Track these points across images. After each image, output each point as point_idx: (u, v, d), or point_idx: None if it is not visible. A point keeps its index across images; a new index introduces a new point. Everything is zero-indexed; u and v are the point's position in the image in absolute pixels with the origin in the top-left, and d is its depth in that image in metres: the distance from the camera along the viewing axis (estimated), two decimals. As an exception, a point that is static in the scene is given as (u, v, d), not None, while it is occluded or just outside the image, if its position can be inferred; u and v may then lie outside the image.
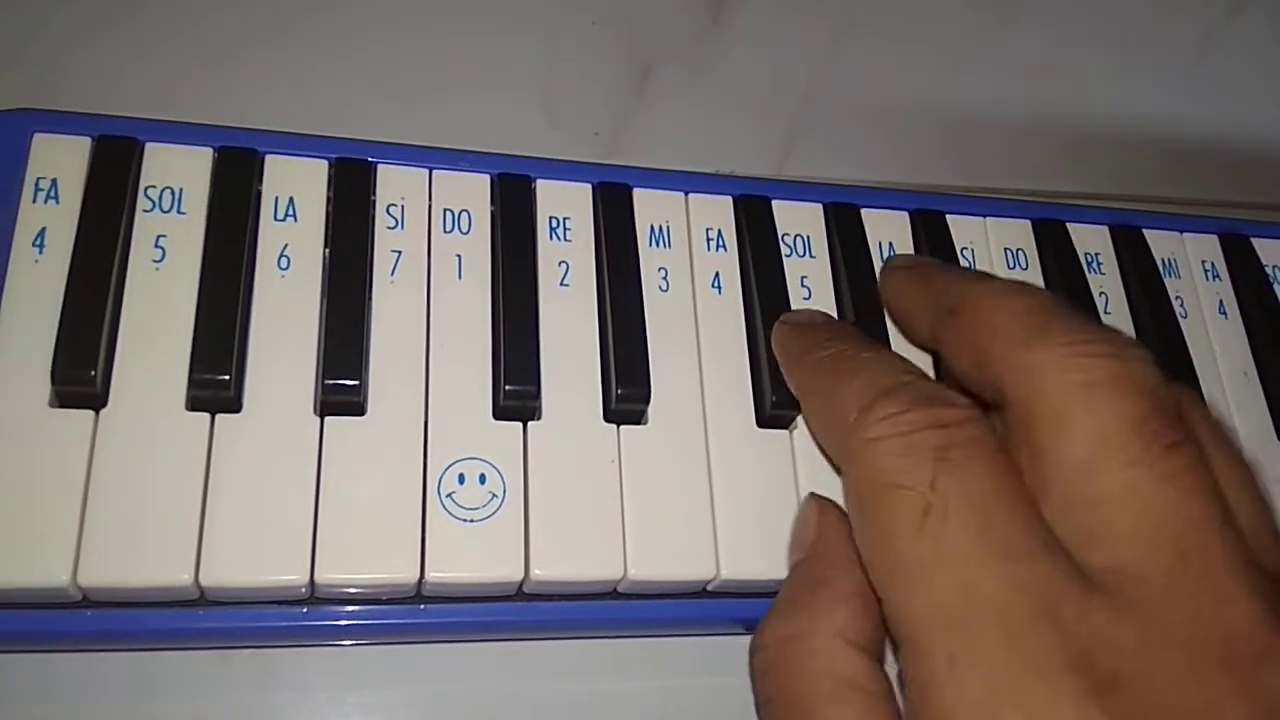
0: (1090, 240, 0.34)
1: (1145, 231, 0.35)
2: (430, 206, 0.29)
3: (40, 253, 0.26)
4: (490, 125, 0.36)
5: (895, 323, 0.30)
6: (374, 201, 0.28)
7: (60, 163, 0.27)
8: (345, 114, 0.32)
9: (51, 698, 0.26)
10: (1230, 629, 0.19)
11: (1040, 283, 0.33)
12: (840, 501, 0.26)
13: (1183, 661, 0.18)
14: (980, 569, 0.19)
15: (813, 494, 0.27)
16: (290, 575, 0.24)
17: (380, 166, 0.29)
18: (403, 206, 0.29)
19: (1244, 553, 0.20)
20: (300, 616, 0.25)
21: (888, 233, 0.32)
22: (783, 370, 0.28)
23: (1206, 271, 0.35)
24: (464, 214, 0.29)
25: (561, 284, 0.29)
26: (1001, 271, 0.33)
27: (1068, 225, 0.34)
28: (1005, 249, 0.33)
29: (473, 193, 0.29)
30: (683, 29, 0.40)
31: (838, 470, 0.27)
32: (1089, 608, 0.19)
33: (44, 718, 0.26)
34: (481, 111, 0.36)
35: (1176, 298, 0.34)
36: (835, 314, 0.30)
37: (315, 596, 0.25)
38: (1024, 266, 0.33)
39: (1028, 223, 0.34)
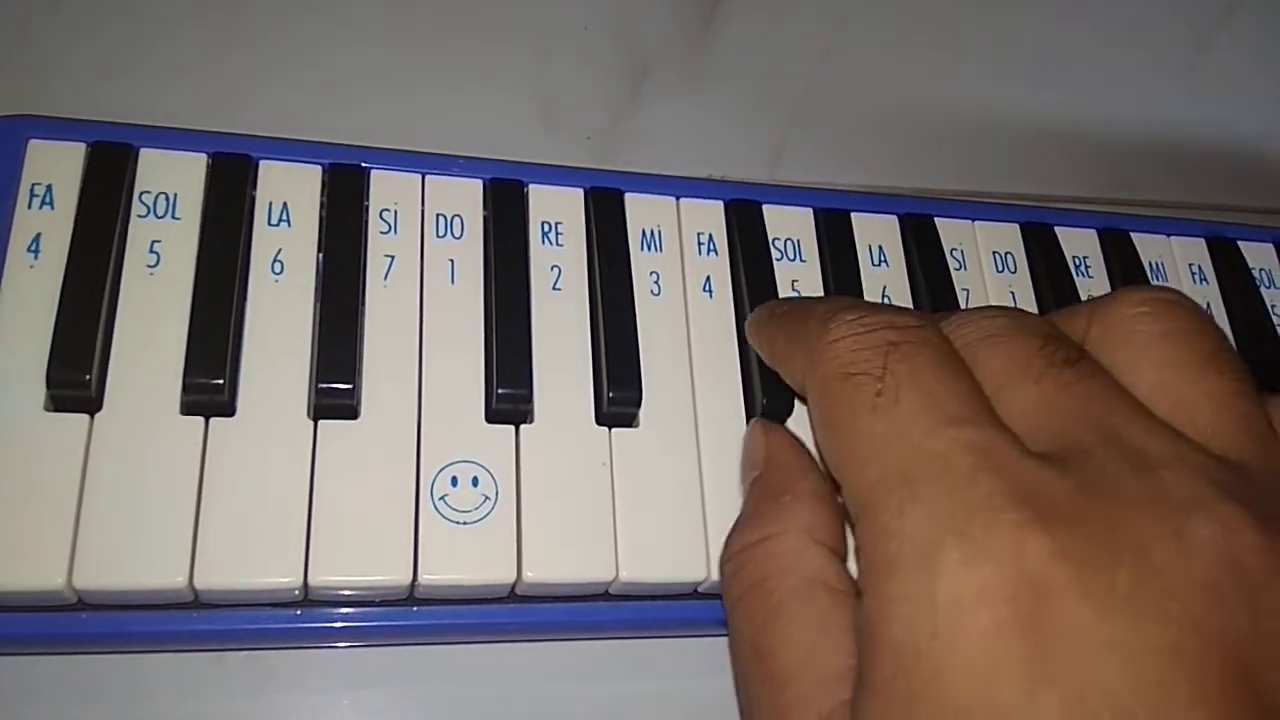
0: (1078, 243, 0.34)
1: (1133, 235, 0.35)
2: (423, 211, 0.29)
3: (35, 258, 0.26)
4: (483, 129, 0.36)
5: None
6: (367, 207, 0.29)
7: (55, 168, 0.27)
8: (339, 119, 0.32)
9: (46, 700, 0.26)
10: (1164, 488, 0.19)
11: (1028, 285, 0.33)
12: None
13: (1117, 509, 0.18)
14: (928, 433, 0.20)
15: (756, 418, 0.27)
16: (284, 577, 0.24)
17: (373, 172, 0.29)
18: (396, 211, 0.29)
19: (1165, 430, 0.20)
20: (294, 619, 0.25)
21: (877, 236, 0.32)
22: (751, 335, 0.28)
23: (1194, 274, 0.36)
24: (457, 219, 0.29)
25: (554, 288, 0.29)
26: (990, 275, 0.33)
27: (1056, 229, 0.34)
28: (994, 252, 0.33)
29: (465, 198, 0.30)
30: (676, 33, 0.40)
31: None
32: (1030, 463, 0.19)
33: (39, 720, 0.26)
34: (474, 115, 0.36)
35: (1164, 300, 0.34)
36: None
37: (309, 599, 0.25)
38: (1012, 270, 0.33)
39: (1016, 226, 0.34)
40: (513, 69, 0.37)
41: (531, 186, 0.30)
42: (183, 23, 0.34)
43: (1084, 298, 0.33)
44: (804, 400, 0.28)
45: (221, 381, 0.25)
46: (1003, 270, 0.33)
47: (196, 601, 0.25)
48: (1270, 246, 0.37)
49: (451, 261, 0.29)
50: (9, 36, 0.33)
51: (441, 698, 0.28)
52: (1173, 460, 0.19)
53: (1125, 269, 0.34)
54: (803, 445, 0.27)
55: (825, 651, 0.21)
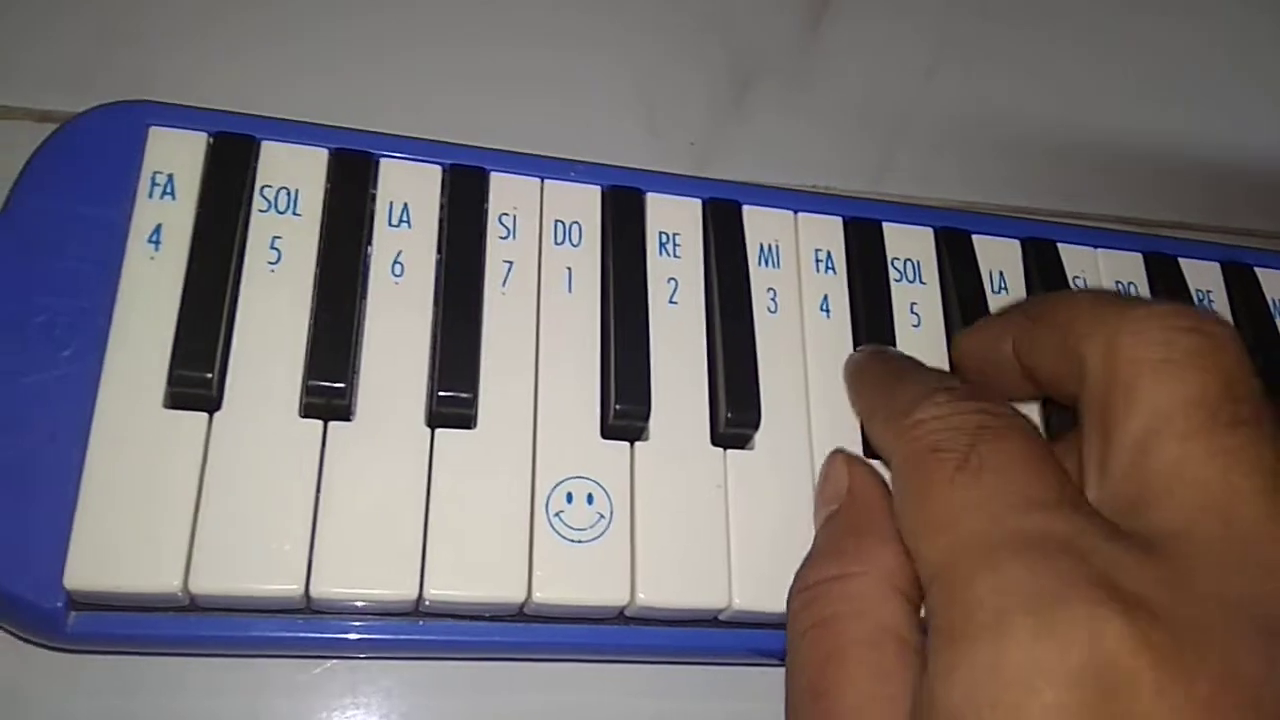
0: (1202, 277, 0.33)
1: (1258, 270, 0.34)
2: (541, 217, 0.28)
3: (156, 249, 0.25)
4: (590, 132, 0.35)
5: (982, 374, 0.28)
6: (487, 210, 0.28)
7: (176, 157, 0.26)
8: (450, 119, 0.31)
9: (144, 694, 0.26)
10: (1263, 596, 0.18)
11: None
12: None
13: (1209, 609, 0.18)
14: (1008, 512, 0.19)
15: (838, 450, 0.27)
16: (400, 589, 0.24)
17: (493, 174, 0.28)
18: (514, 216, 0.28)
19: None
20: (405, 630, 0.25)
21: (999, 261, 0.31)
22: (848, 380, 0.28)
23: (1323, 314, 0.34)
24: (575, 225, 0.29)
25: (670, 301, 0.28)
26: (1113, 305, 0.32)
27: (1180, 260, 0.33)
28: (1116, 281, 0.32)
29: (584, 204, 0.29)
30: (781, 42, 0.39)
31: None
32: (1119, 548, 0.19)
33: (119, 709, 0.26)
34: (581, 119, 0.35)
35: (1289, 338, 0.33)
36: (944, 342, 0.30)
37: (420, 611, 0.25)
38: (1134, 301, 0.32)
39: (1139, 255, 0.33)
40: (619, 74, 0.37)
41: (649, 196, 0.30)
42: (305, 18, 0.33)
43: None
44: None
45: (343, 385, 0.24)
46: (1125, 301, 0.32)
47: (309, 609, 0.24)
48: None
49: (569, 269, 0.28)
50: (130, 19, 0.32)
51: (533, 715, 0.28)
52: None
53: (1249, 305, 0.33)
54: (886, 484, 0.25)
55: (882, 702, 0.21)
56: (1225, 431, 0.20)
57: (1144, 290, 0.32)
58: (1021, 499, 0.20)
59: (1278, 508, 0.19)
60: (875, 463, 0.26)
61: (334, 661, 0.27)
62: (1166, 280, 0.33)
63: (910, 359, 0.28)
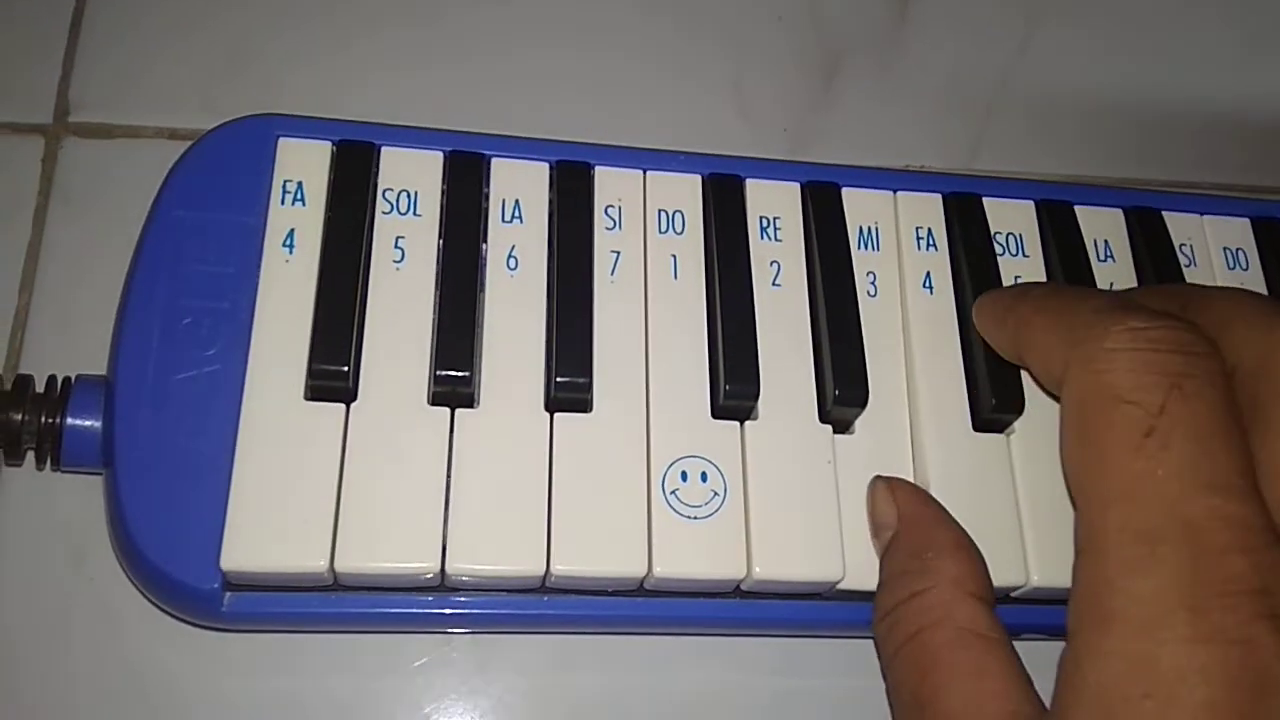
0: (1315, 239, 0.33)
1: (1374, 228, 0.33)
2: (645, 207, 0.29)
3: (290, 253, 0.27)
4: (683, 123, 0.36)
5: None
6: (593, 203, 0.29)
7: (304, 166, 0.28)
8: (556, 118, 0.32)
9: (280, 670, 0.28)
10: None
11: (1262, 284, 0.32)
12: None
13: None
14: (1187, 495, 0.19)
15: (877, 476, 0.27)
16: (527, 566, 0.25)
17: (597, 168, 0.29)
18: (620, 207, 0.29)
19: None
20: (533, 605, 0.26)
21: (1102, 230, 0.31)
22: (990, 318, 0.27)
23: None
24: (678, 214, 0.29)
25: (774, 284, 0.29)
26: (1221, 271, 0.32)
27: (1290, 223, 0.33)
28: (1224, 249, 0.32)
29: (685, 193, 0.30)
30: (870, 22, 0.39)
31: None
32: (1277, 553, 0.19)
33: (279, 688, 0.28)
34: (674, 109, 0.36)
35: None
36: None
37: (546, 586, 0.26)
38: (1244, 267, 0.32)
39: (1247, 221, 0.32)
40: (709, 61, 0.37)
41: (749, 181, 0.30)
42: (413, 28, 0.35)
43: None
44: (1049, 393, 0.27)
45: (467, 373, 0.26)
46: (1234, 267, 0.32)
47: (443, 586, 0.25)
48: None
49: (674, 256, 0.29)
50: (248, 39, 0.34)
51: (656, 692, 0.29)
52: None
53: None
54: (930, 496, 0.26)
55: (985, 696, 0.22)
56: None
57: (1253, 255, 0.32)
58: (1204, 480, 0.20)
59: None
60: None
61: (466, 638, 0.28)
62: (1276, 245, 0.32)
63: (1073, 286, 0.27)
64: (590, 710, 0.28)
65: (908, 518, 0.26)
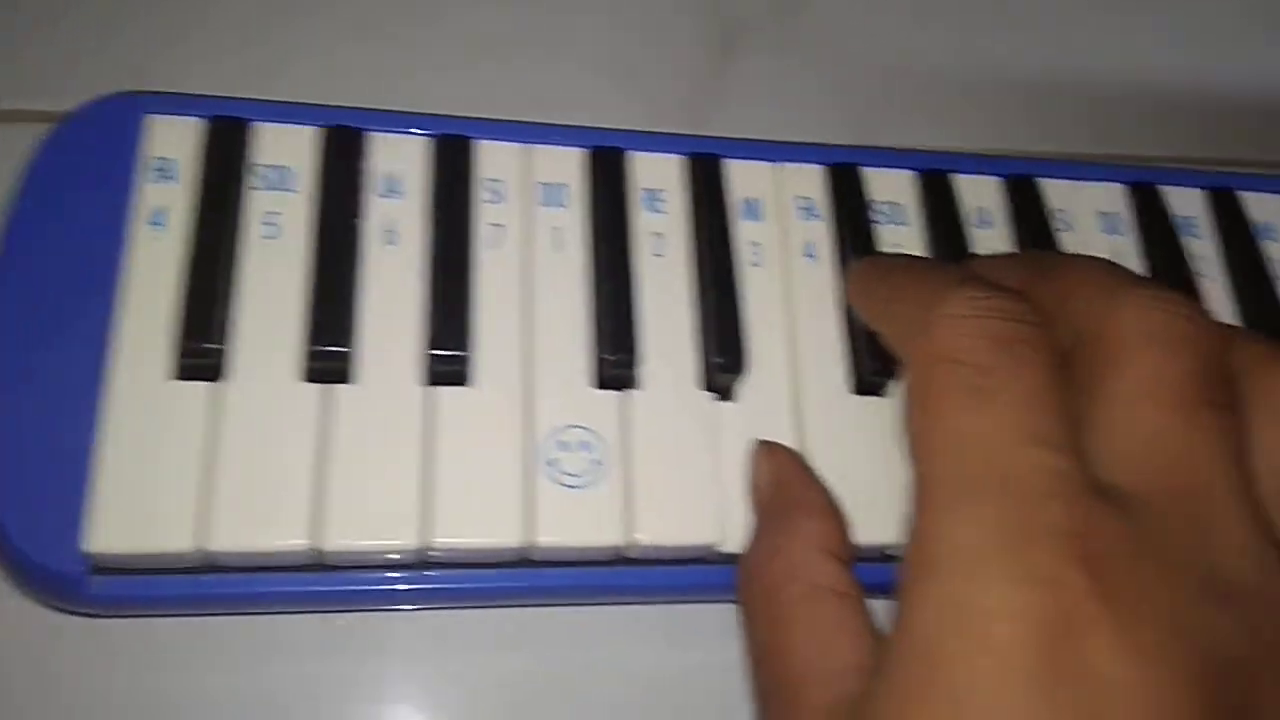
0: (1185, 204, 0.34)
1: (1240, 194, 0.34)
2: (528, 181, 0.29)
3: (159, 231, 0.26)
4: (577, 99, 0.36)
5: None
6: (474, 177, 0.29)
7: (173, 143, 0.28)
8: (438, 91, 0.32)
9: (163, 662, 0.27)
10: (1213, 564, 0.20)
11: (1135, 246, 0.32)
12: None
13: (1164, 570, 0.19)
14: (1009, 447, 0.20)
15: (758, 440, 0.27)
16: (404, 540, 0.25)
17: (479, 143, 0.29)
18: (502, 181, 0.29)
19: (1248, 509, 0.21)
20: (413, 579, 0.26)
21: (979, 198, 0.32)
22: (853, 285, 0.29)
23: (1306, 234, 0.35)
24: (560, 188, 0.29)
25: (656, 254, 0.29)
26: (1096, 236, 0.32)
27: (1161, 189, 0.33)
28: (1099, 212, 0.33)
29: (568, 167, 0.30)
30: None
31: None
32: (1096, 504, 0.20)
33: (149, 678, 0.27)
34: (569, 85, 0.36)
35: (1276, 261, 0.34)
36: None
37: (427, 560, 0.26)
38: (1119, 232, 0.33)
39: (1121, 186, 0.33)
40: (607, 37, 0.38)
41: (632, 154, 0.30)
42: (288, 6, 0.35)
43: (1193, 260, 0.33)
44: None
45: (344, 349, 0.26)
46: (1109, 232, 0.33)
47: (320, 564, 0.25)
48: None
49: (556, 229, 0.29)
50: (124, 14, 0.33)
51: (540, 663, 0.29)
52: (1236, 546, 0.20)
53: (1234, 229, 0.33)
54: (804, 460, 0.27)
55: (832, 649, 0.22)
56: (1204, 410, 0.21)
57: (1128, 219, 0.33)
58: (1027, 432, 0.21)
59: (1236, 485, 0.21)
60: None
61: (350, 617, 0.28)
62: (1149, 209, 0.33)
63: (927, 258, 0.29)
64: (486, 689, 0.28)
65: (778, 480, 0.26)
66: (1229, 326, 0.23)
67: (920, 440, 0.22)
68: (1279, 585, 0.20)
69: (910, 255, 0.30)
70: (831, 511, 0.25)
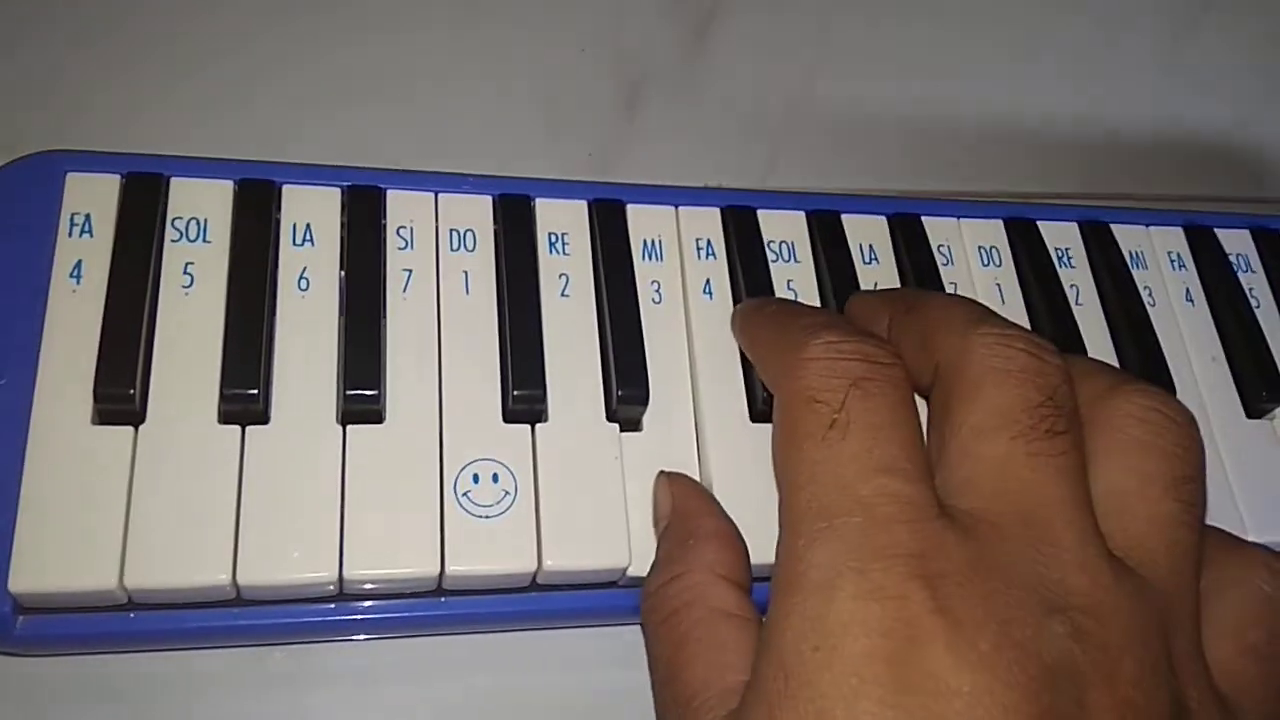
0: (1061, 236, 0.36)
1: (1112, 226, 0.37)
2: (437, 228, 0.31)
3: (77, 283, 0.28)
4: (489, 151, 0.38)
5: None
6: (385, 225, 0.30)
7: (92, 199, 0.29)
8: (354, 145, 0.34)
9: (86, 701, 0.28)
10: (1049, 579, 0.22)
11: (1014, 278, 0.35)
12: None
13: (1000, 586, 0.21)
14: (859, 477, 0.22)
15: (661, 471, 0.29)
16: (320, 573, 0.26)
17: (390, 192, 0.31)
18: (412, 228, 0.31)
19: (1084, 528, 0.23)
20: (330, 612, 0.27)
21: (867, 236, 0.34)
22: (736, 328, 0.31)
23: (1173, 262, 0.37)
24: (469, 233, 0.31)
25: (562, 294, 0.31)
26: (976, 269, 0.35)
27: (1038, 223, 0.36)
28: (979, 247, 0.35)
29: (476, 213, 0.31)
30: (669, 52, 0.42)
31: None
32: (939, 526, 0.22)
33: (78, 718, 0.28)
34: (480, 137, 0.38)
35: (1145, 288, 0.36)
36: (821, 314, 0.32)
37: (344, 593, 0.27)
38: (998, 264, 0.35)
39: (999, 221, 0.36)
40: (514, 91, 0.39)
41: (538, 200, 0.32)
42: (206, 59, 0.36)
43: (1068, 288, 0.35)
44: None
45: (256, 391, 0.27)
46: (988, 264, 0.35)
47: (239, 599, 0.26)
48: (1246, 233, 0.39)
49: (466, 273, 0.30)
50: (44, 76, 0.34)
51: (465, 693, 0.30)
52: (1072, 562, 0.22)
53: (1107, 259, 0.36)
54: (704, 489, 0.29)
55: (724, 669, 0.24)
56: (1046, 439, 0.23)
57: (1006, 253, 0.35)
58: (876, 463, 0.23)
59: (1074, 506, 0.23)
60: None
61: (280, 650, 0.29)
62: (1026, 241, 0.35)
63: (801, 304, 0.31)
64: (412, 718, 0.29)
65: (678, 509, 0.28)
66: (1072, 358, 0.25)
67: (784, 471, 0.24)
68: (1111, 597, 0.22)
69: (785, 301, 0.32)
70: (730, 539, 0.27)
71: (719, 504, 0.28)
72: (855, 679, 0.20)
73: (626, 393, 0.29)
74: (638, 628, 0.30)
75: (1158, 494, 0.24)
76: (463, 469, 0.28)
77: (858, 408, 0.23)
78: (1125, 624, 0.22)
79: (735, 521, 0.28)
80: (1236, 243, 0.38)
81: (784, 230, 0.33)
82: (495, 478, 0.28)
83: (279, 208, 0.30)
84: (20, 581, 0.24)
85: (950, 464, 0.24)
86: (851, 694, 0.20)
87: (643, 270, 0.32)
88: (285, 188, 0.30)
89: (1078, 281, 0.35)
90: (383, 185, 0.31)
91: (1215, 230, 0.38)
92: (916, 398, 0.25)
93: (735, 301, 0.32)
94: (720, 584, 0.26)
